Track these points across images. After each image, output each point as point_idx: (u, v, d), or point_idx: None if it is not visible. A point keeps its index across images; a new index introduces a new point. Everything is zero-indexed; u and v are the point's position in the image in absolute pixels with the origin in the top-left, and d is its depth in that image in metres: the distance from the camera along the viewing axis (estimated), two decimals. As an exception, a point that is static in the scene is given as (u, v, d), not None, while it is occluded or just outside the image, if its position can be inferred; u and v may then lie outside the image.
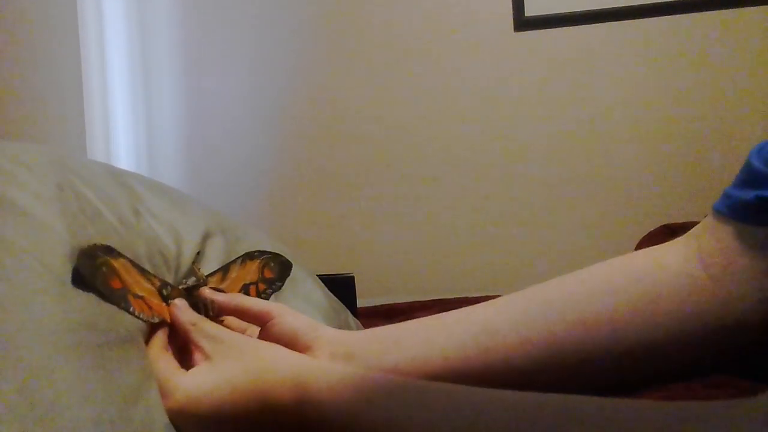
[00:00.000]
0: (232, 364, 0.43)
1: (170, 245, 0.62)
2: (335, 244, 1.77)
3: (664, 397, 0.61)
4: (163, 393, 0.43)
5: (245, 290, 0.57)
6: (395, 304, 1.33)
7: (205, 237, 0.68)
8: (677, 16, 1.63)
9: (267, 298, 0.58)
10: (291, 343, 0.48)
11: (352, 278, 1.12)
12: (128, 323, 0.45)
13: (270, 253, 0.61)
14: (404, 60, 1.75)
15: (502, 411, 0.35)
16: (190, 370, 0.44)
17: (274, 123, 1.83)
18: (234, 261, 0.59)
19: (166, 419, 0.42)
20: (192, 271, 0.56)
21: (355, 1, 1.78)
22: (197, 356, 0.49)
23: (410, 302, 1.34)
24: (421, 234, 1.74)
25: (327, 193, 1.79)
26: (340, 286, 1.00)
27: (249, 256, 0.60)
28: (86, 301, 0.43)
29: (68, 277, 0.43)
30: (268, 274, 0.60)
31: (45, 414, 0.35)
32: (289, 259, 0.64)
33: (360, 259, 1.73)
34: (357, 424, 0.38)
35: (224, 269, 0.58)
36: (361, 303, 1.19)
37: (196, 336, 0.47)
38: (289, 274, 0.62)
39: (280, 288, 0.60)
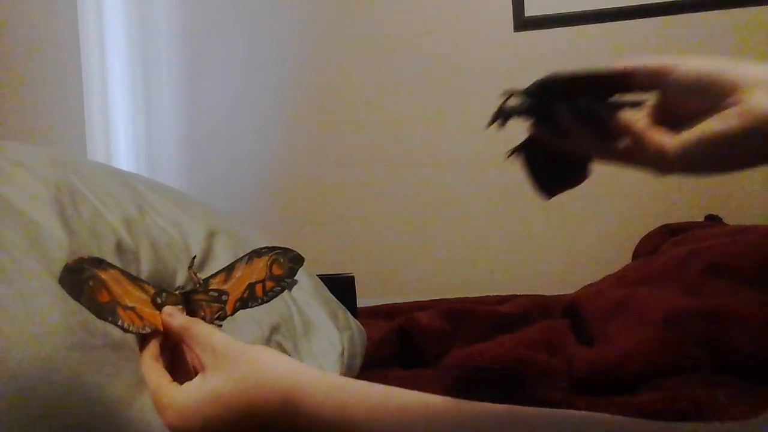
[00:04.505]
0: (221, 377, 0.43)
1: (177, 240, 0.62)
2: (335, 244, 1.77)
3: (663, 398, 0.60)
4: (156, 409, 0.43)
5: (251, 290, 0.55)
6: (395, 304, 1.33)
7: (210, 235, 0.68)
8: (677, 16, 1.62)
9: (275, 296, 0.56)
10: None
11: (352, 278, 1.11)
12: (122, 327, 0.46)
13: (280, 248, 0.58)
14: (404, 60, 1.75)
15: (493, 420, 0.35)
16: (182, 386, 0.44)
17: (273, 123, 1.82)
18: (240, 259, 0.56)
19: (161, 421, 0.42)
20: (189, 275, 0.55)
21: (354, 2, 1.78)
22: (191, 362, 0.49)
23: (410, 302, 1.33)
24: (421, 234, 1.73)
25: (327, 192, 1.79)
26: (340, 286, 1.00)
27: (256, 253, 0.57)
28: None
29: None
30: (276, 271, 0.56)
31: (43, 414, 0.35)
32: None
33: (360, 259, 1.73)
34: None
35: (228, 269, 0.56)
36: (361, 303, 1.18)
37: (190, 342, 0.46)
38: (298, 270, 0.58)
39: (290, 285, 0.57)
